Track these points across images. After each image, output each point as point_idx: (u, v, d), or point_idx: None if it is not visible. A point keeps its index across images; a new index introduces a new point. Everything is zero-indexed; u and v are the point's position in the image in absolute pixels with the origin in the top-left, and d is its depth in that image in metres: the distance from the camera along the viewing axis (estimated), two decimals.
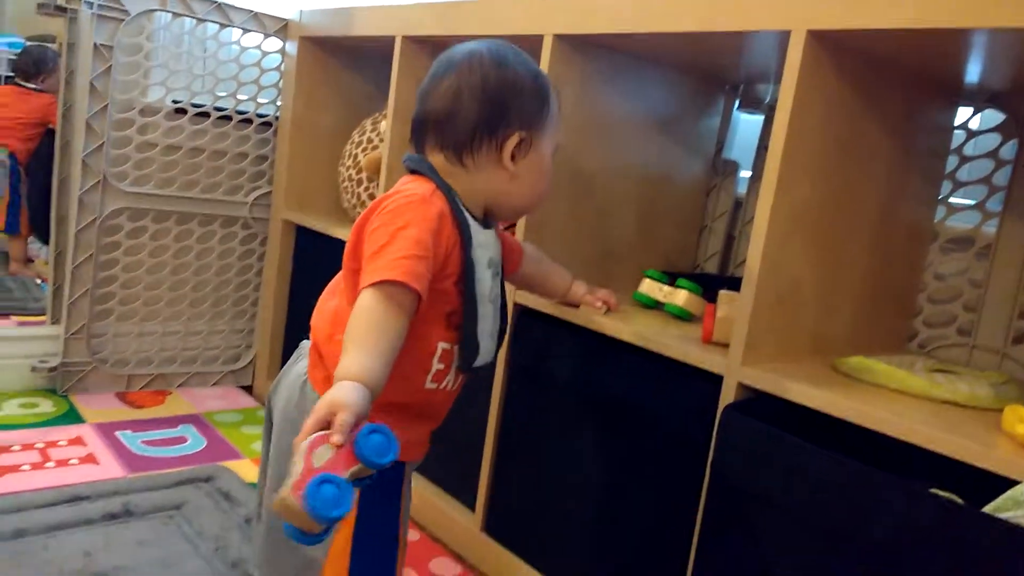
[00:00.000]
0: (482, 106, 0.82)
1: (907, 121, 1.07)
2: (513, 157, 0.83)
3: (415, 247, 0.74)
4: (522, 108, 0.83)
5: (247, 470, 1.51)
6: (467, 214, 0.82)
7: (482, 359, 0.85)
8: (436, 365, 0.83)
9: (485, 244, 0.85)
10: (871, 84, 0.98)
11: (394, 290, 0.73)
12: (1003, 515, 0.68)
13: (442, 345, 0.83)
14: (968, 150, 1.17)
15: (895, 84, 1.03)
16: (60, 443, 1.53)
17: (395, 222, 0.76)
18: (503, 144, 0.83)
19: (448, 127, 0.83)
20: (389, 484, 0.85)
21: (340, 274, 0.87)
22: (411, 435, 0.86)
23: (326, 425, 0.64)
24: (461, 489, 1.36)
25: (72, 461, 1.46)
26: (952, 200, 1.18)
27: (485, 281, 0.84)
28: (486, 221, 0.87)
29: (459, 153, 0.83)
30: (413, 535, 1.37)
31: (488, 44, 0.86)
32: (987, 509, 0.70)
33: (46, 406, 1.70)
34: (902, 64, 0.99)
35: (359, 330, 0.71)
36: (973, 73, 1.02)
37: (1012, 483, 0.70)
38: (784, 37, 0.89)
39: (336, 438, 0.62)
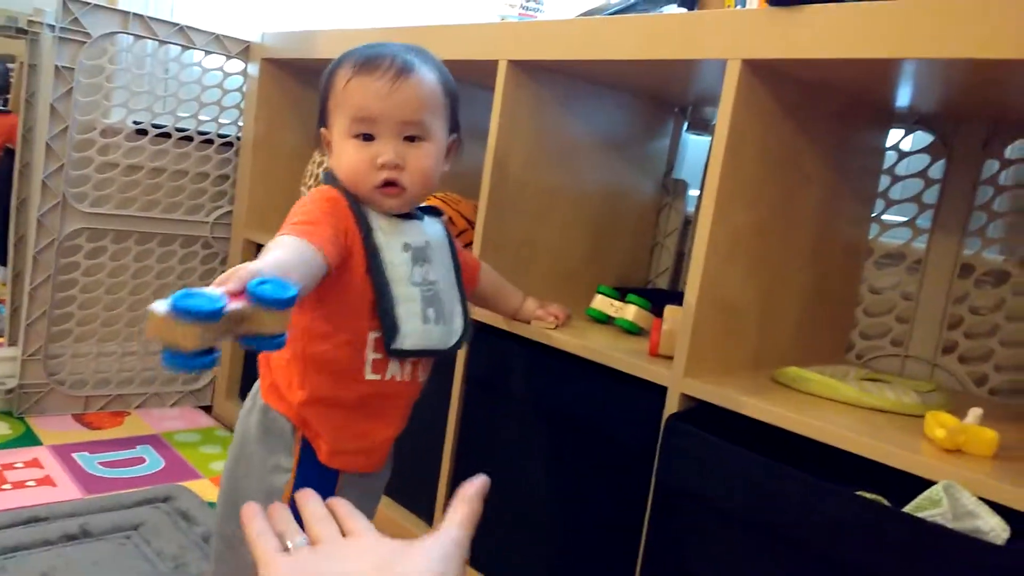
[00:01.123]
0: None
1: (841, 143, 1.13)
2: (330, 150, 0.90)
3: (304, 215, 0.80)
4: (320, 111, 0.91)
5: (206, 490, 1.51)
6: (364, 207, 0.86)
7: (411, 341, 0.85)
8: (372, 355, 0.86)
9: (398, 231, 0.87)
10: (805, 109, 1.04)
11: None
12: (921, 514, 0.73)
13: (373, 335, 0.85)
14: (899, 170, 1.23)
15: (829, 109, 1.08)
16: (16, 465, 1.52)
17: (292, 214, 0.83)
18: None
19: None
20: (322, 494, 0.86)
21: None
22: (358, 439, 0.88)
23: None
24: (418, 503, 1.38)
25: (29, 483, 1.46)
26: (885, 217, 1.24)
27: (399, 264, 0.85)
28: (411, 213, 0.90)
29: None
30: None
31: None
32: (907, 509, 0.74)
33: (2, 428, 1.68)
34: (835, 90, 1.05)
35: (264, 250, 0.71)
36: (903, 97, 1.08)
37: (932, 483, 0.75)
38: (722, 65, 0.95)
39: (230, 285, 0.57)
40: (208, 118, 1.87)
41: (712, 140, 1.47)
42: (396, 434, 0.93)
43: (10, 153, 2.11)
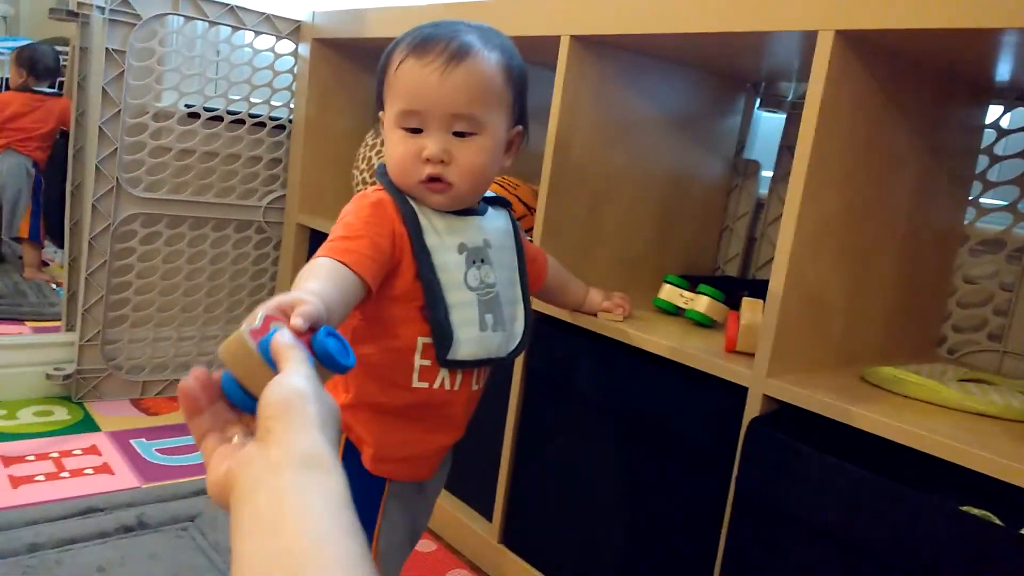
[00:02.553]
0: None
1: (936, 121, 1.04)
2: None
3: (345, 229, 0.76)
4: (378, 94, 0.85)
5: None
6: (416, 205, 0.80)
7: (466, 350, 0.80)
8: (420, 361, 0.80)
9: (452, 230, 0.81)
10: (900, 84, 0.95)
11: None
12: None
13: (422, 340, 0.80)
14: (999, 149, 1.13)
15: (924, 83, 0.99)
16: (75, 452, 1.53)
17: (337, 224, 0.78)
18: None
19: None
20: (366, 502, 0.81)
21: None
22: (405, 447, 0.83)
23: (284, 314, 0.55)
24: (478, 499, 1.34)
25: (87, 471, 1.46)
26: (983, 201, 1.14)
27: (453, 268, 0.80)
28: (469, 209, 0.83)
29: None
30: (429, 545, 1.35)
31: None
32: None
33: (61, 414, 1.69)
34: (932, 63, 0.96)
35: (299, 277, 0.68)
36: (1004, 72, 0.99)
37: None
38: (810, 37, 0.86)
39: (298, 321, 0.53)
40: (260, 100, 1.84)
41: (787, 117, 1.39)
42: (450, 442, 0.87)
43: (66, 136, 2.12)
